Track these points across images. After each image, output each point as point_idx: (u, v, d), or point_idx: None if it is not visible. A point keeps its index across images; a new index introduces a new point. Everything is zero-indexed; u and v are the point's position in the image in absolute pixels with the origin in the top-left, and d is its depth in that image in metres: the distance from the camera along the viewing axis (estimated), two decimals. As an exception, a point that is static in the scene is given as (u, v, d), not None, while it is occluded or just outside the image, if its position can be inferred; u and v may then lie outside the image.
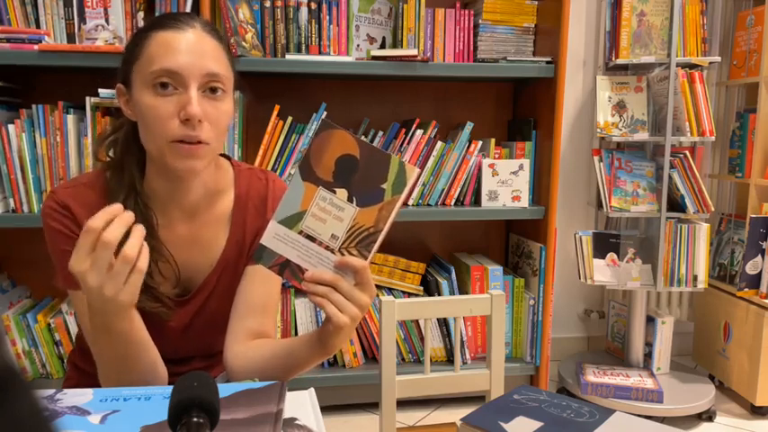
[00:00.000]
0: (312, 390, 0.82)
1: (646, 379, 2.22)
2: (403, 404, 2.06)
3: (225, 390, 0.77)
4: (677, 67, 2.15)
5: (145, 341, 0.90)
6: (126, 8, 1.94)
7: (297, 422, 0.74)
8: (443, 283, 2.19)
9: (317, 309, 2.14)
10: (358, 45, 2.17)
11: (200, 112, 0.90)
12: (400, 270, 2.24)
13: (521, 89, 2.43)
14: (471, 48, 2.22)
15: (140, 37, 0.94)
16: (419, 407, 2.26)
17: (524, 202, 2.18)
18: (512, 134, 2.46)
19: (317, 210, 0.82)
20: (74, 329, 2.00)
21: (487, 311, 1.29)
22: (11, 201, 1.92)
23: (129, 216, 0.78)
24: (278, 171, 2.06)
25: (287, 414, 0.75)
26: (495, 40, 2.19)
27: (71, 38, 1.94)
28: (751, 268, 2.25)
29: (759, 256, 2.25)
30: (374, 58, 2.02)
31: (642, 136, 2.22)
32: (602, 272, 2.26)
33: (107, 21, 1.93)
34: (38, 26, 1.93)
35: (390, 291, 2.23)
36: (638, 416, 0.83)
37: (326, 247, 0.82)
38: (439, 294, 2.19)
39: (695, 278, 2.22)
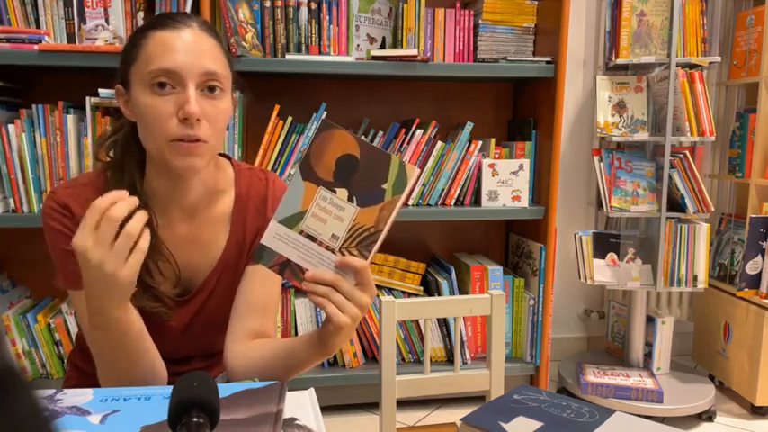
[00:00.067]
0: (312, 390, 0.82)
1: (646, 379, 2.22)
2: (403, 404, 2.06)
3: (225, 390, 0.77)
4: (677, 67, 2.15)
5: (142, 337, 0.91)
6: (126, 8, 1.94)
7: (297, 422, 0.74)
8: (443, 283, 2.19)
9: (317, 309, 2.14)
10: (358, 45, 2.17)
11: (198, 111, 0.90)
12: (400, 270, 2.24)
13: (521, 89, 2.43)
14: (471, 48, 2.22)
15: (138, 37, 0.94)
16: (419, 407, 2.26)
17: (524, 202, 2.18)
18: (512, 134, 2.46)
19: (318, 210, 0.82)
20: (74, 329, 2.00)
21: (487, 311, 1.29)
22: (11, 201, 1.92)
23: (134, 200, 0.80)
24: (278, 171, 2.06)
25: (287, 414, 0.75)
26: (495, 40, 2.19)
27: (71, 38, 1.94)
28: (751, 268, 2.25)
29: (759, 256, 2.25)
30: (374, 58, 2.02)
31: (642, 136, 2.22)
32: (602, 272, 2.26)
33: (107, 21, 1.93)
34: (38, 26, 1.93)
35: (390, 291, 2.23)
36: (638, 416, 0.83)
37: (327, 247, 0.82)
38: (439, 294, 2.19)
39: (695, 278, 2.22)
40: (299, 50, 2.10)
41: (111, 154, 1.04)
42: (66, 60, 1.84)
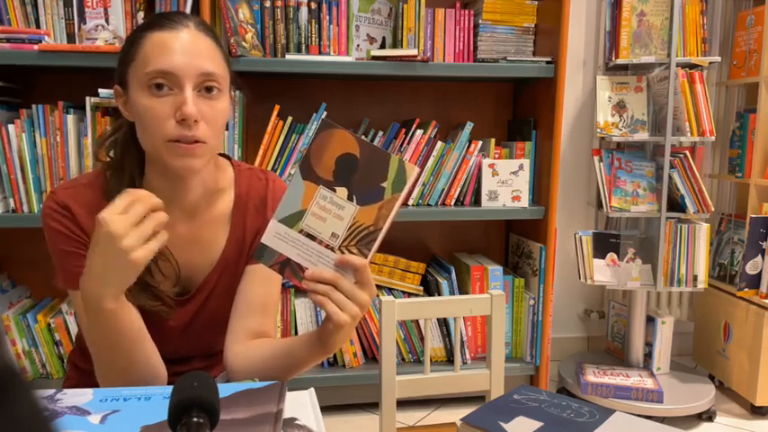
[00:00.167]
0: (312, 390, 0.82)
1: (646, 379, 2.22)
2: (403, 404, 2.06)
3: (225, 390, 0.77)
4: (677, 67, 2.15)
5: (141, 337, 0.91)
6: (126, 8, 1.94)
7: (297, 422, 0.74)
8: (443, 283, 2.19)
9: (317, 308, 2.14)
10: (358, 45, 2.17)
11: (195, 112, 0.90)
12: (400, 270, 2.24)
13: (521, 89, 2.43)
14: (471, 48, 2.22)
15: (135, 38, 0.94)
16: (419, 407, 2.26)
17: (524, 202, 2.18)
18: (512, 134, 2.46)
19: (318, 208, 0.82)
20: (74, 329, 2.00)
21: (487, 311, 1.29)
22: (11, 201, 1.92)
23: (162, 203, 0.83)
24: (278, 171, 2.06)
25: (287, 414, 0.75)
26: (495, 40, 2.19)
27: (71, 38, 1.94)
28: (751, 268, 2.25)
29: (759, 256, 2.25)
30: (374, 58, 2.02)
31: (642, 136, 2.22)
32: (602, 272, 2.26)
33: (107, 21, 1.93)
34: (38, 26, 1.93)
35: (390, 291, 2.23)
36: (638, 416, 0.83)
37: (327, 246, 0.83)
38: (439, 294, 2.19)
39: (695, 278, 2.22)
40: (299, 50, 2.10)
41: (111, 154, 1.04)
42: (66, 60, 1.84)
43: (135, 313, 0.90)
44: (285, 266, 0.84)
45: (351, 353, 2.18)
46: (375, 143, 2.09)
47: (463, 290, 2.27)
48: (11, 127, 1.89)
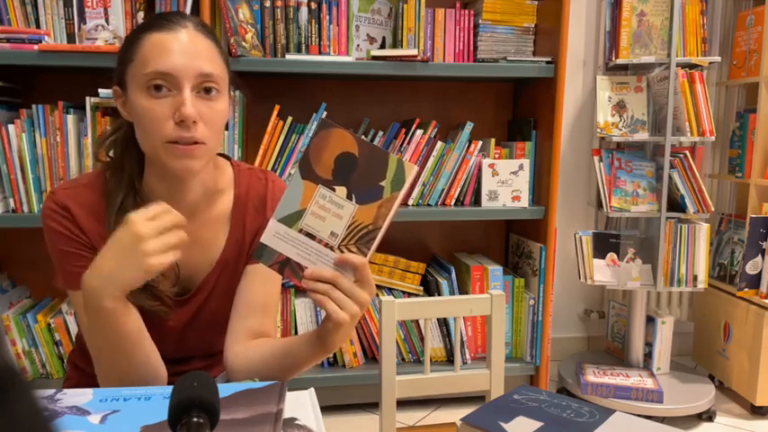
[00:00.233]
0: (312, 390, 0.82)
1: (646, 379, 2.22)
2: (403, 404, 2.06)
3: (225, 390, 0.77)
4: (677, 67, 2.15)
5: (142, 338, 0.91)
6: (126, 8, 1.93)
7: (297, 422, 0.74)
8: (443, 283, 2.19)
9: (317, 308, 2.14)
10: (358, 45, 2.17)
11: (194, 113, 0.90)
12: (400, 270, 2.24)
13: (521, 89, 2.43)
14: (471, 48, 2.22)
15: (133, 39, 0.94)
16: (419, 407, 2.26)
17: (524, 202, 2.18)
18: (512, 134, 2.46)
19: (317, 208, 0.83)
20: (74, 329, 2.00)
21: (487, 311, 1.29)
22: (11, 201, 1.92)
23: (185, 220, 0.85)
24: (278, 171, 2.06)
25: (287, 414, 0.75)
26: (495, 40, 2.19)
27: (71, 38, 1.94)
28: (751, 268, 2.25)
29: (759, 256, 2.25)
30: (374, 58, 2.02)
31: (642, 136, 2.22)
32: (602, 272, 2.26)
33: (107, 21, 1.93)
34: (38, 26, 1.93)
35: (390, 291, 2.23)
36: (638, 416, 0.83)
37: (326, 245, 0.83)
38: (439, 294, 2.19)
39: (695, 278, 2.22)
40: (299, 50, 2.10)
41: (110, 154, 1.04)
42: (66, 60, 1.84)
43: (135, 313, 0.90)
44: (285, 266, 0.84)
45: (351, 353, 2.18)
46: (375, 143, 2.09)
47: (463, 290, 2.27)
48: (11, 127, 1.89)
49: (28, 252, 2.20)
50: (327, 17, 2.11)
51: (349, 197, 0.82)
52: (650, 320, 2.35)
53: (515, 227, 2.47)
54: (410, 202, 2.15)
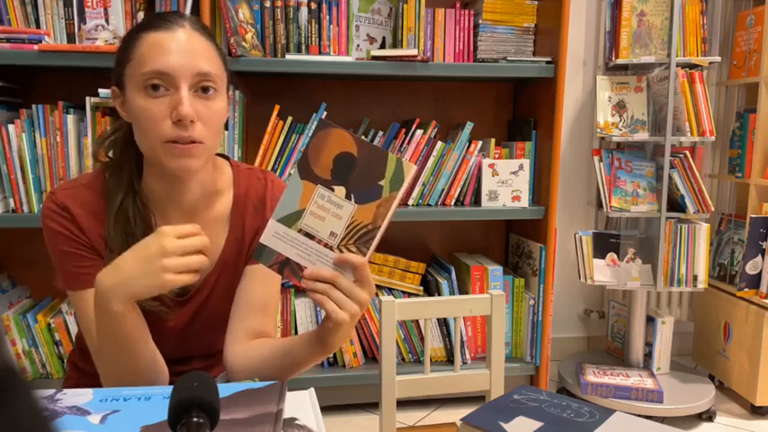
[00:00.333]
0: (312, 390, 0.82)
1: (646, 379, 2.22)
2: (403, 404, 2.06)
3: (225, 390, 0.77)
4: (677, 67, 2.15)
5: (145, 338, 0.91)
6: (126, 8, 1.93)
7: (297, 422, 0.74)
8: (443, 283, 2.19)
9: (317, 308, 2.14)
10: (358, 45, 2.17)
11: (191, 112, 0.90)
12: (400, 270, 2.24)
13: (521, 89, 2.43)
14: (471, 48, 2.22)
15: (131, 38, 0.94)
16: (419, 407, 2.26)
17: (524, 202, 2.18)
18: (512, 134, 2.46)
19: (316, 208, 0.83)
20: (74, 329, 2.00)
21: (487, 311, 1.29)
22: (11, 201, 1.92)
23: (209, 244, 0.87)
24: (278, 171, 2.06)
25: (287, 414, 0.75)
26: (495, 40, 2.19)
27: (71, 38, 1.94)
28: (751, 268, 2.25)
29: (759, 256, 2.25)
30: (374, 58, 2.02)
31: (642, 136, 2.22)
32: (602, 272, 2.26)
33: (107, 21, 1.93)
34: (38, 26, 1.93)
35: (390, 291, 2.23)
36: (638, 416, 0.83)
37: (325, 245, 0.83)
38: (439, 294, 2.19)
39: (695, 278, 2.22)
40: (299, 50, 2.10)
41: (110, 154, 1.04)
42: (66, 60, 1.84)
43: (139, 316, 0.90)
44: (284, 266, 0.84)
45: (351, 353, 2.18)
46: (375, 143, 2.09)
47: (463, 290, 2.27)
48: (11, 127, 1.89)
49: (28, 252, 2.20)
50: (327, 17, 2.11)
51: (348, 197, 0.82)
52: (650, 320, 2.35)
53: (515, 227, 2.47)
54: (410, 202, 2.15)
